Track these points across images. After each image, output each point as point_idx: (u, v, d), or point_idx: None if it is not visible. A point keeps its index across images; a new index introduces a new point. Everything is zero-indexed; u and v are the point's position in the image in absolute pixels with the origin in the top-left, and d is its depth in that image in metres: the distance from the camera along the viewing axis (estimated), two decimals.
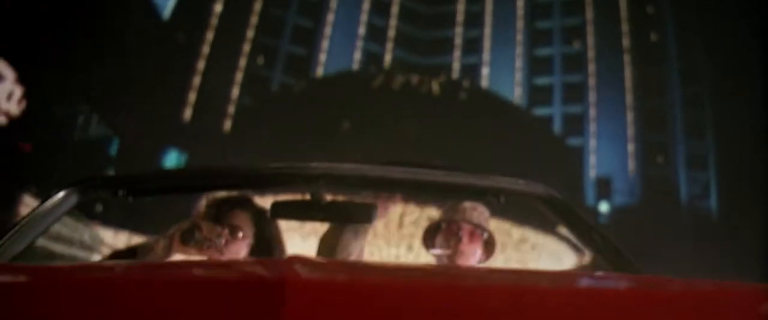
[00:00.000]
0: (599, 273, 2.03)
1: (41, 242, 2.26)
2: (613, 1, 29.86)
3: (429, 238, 2.83)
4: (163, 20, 25.76)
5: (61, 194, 2.08)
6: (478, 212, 2.76)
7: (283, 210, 2.28)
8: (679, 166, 27.83)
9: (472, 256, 2.74)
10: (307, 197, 2.21)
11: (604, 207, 24.87)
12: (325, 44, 30.23)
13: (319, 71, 29.98)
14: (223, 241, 2.38)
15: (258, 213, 2.58)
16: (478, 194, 2.38)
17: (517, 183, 2.35)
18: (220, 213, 2.51)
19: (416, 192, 2.50)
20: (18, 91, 20.77)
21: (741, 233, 20.37)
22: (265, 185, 2.21)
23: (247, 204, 2.58)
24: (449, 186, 2.28)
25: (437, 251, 2.76)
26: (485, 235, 2.78)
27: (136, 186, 2.13)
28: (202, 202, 2.56)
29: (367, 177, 2.19)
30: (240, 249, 2.52)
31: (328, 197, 2.23)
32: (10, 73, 20.73)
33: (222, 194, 2.58)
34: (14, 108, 20.58)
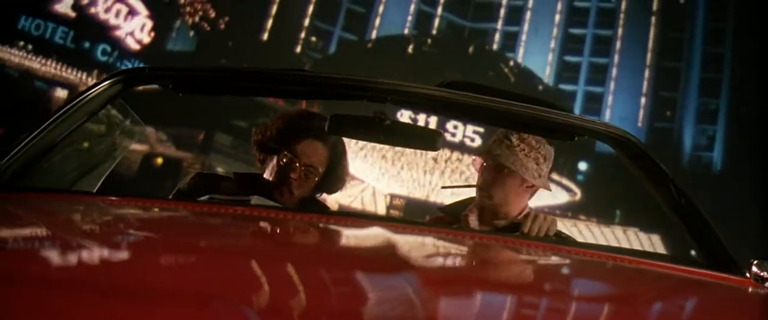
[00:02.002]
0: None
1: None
2: None
3: (475, 165, 2.22)
4: None
5: (106, 83, 1.65)
6: (522, 149, 2.10)
7: (343, 126, 1.79)
8: (686, 120, 26.90)
9: (502, 192, 2.11)
10: (370, 115, 1.73)
11: (582, 165, 23.98)
12: None
13: (380, 9, 29.28)
14: (294, 181, 1.97)
15: (336, 146, 2.08)
16: (551, 130, 1.86)
17: (594, 122, 1.86)
18: (291, 134, 2.01)
19: (485, 121, 1.97)
20: (149, 24, 22.34)
21: (739, 185, 19.50)
22: (327, 95, 1.71)
23: (322, 132, 1.97)
24: (520, 117, 1.77)
25: (479, 192, 2.15)
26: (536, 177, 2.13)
27: (187, 82, 1.66)
28: (272, 122, 2.05)
29: (437, 98, 1.67)
30: (309, 187, 2.06)
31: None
32: (142, 9, 22.26)
33: (295, 111, 2.09)
34: (146, 37, 22.27)
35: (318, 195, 2.14)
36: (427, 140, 1.85)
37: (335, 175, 2.10)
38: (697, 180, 22.46)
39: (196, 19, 24.21)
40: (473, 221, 2.15)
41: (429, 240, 1.39)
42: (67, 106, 1.66)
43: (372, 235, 1.26)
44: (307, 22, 28.02)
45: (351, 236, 1.33)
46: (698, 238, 1.73)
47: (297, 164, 1.99)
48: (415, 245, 1.31)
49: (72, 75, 20.09)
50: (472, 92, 1.72)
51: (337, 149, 2.08)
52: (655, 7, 28.71)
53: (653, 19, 28.64)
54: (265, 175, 2.06)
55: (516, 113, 1.73)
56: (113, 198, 1.52)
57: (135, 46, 21.80)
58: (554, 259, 1.48)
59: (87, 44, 20.90)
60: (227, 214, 1.46)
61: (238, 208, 1.54)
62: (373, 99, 1.69)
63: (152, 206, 1.50)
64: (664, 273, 1.52)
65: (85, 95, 1.66)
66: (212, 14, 24.27)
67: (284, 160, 2.00)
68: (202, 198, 1.77)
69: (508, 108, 1.72)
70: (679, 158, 25.68)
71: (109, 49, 21.19)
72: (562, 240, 2.00)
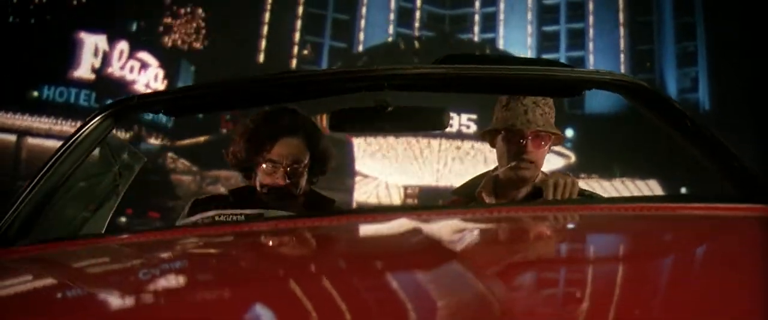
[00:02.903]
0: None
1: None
2: None
3: (490, 139, 2.02)
4: None
5: (98, 118, 1.49)
6: (540, 109, 1.93)
7: (345, 121, 1.61)
8: (667, 67, 26.59)
9: (539, 159, 1.93)
10: (371, 105, 1.56)
11: (569, 132, 23.78)
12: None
13: (363, 11, 29.09)
14: (287, 186, 1.81)
15: (309, 129, 1.89)
16: (557, 88, 1.68)
17: (599, 73, 1.68)
18: (260, 144, 1.82)
19: (489, 90, 1.79)
20: (161, 72, 23.21)
21: (729, 120, 19.12)
22: (323, 92, 1.54)
23: (287, 127, 1.83)
24: (525, 81, 1.60)
25: (503, 168, 1.95)
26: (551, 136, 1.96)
27: (177, 103, 1.50)
28: (238, 135, 1.86)
29: (437, 75, 1.50)
30: (303, 182, 1.89)
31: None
32: (152, 60, 23.09)
33: (250, 121, 1.90)
34: (160, 85, 22.88)
35: (313, 181, 1.97)
36: (434, 119, 1.68)
37: (321, 156, 1.92)
38: None
39: (187, 44, 24.35)
40: (488, 198, 1.99)
41: (467, 223, 1.22)
42: (62, 150, 1.50)
43: (405, 228, 1.10)
44: (297, 37, 27.92)
45: (385, 233, 1.18)
46: (728, 173, 1.56)
47: (281, 169, 1.83)
48: (454, 230, 1.16)
49: None
50: (471, 64, 1.56)
51: (309, 130, 1.89)
52: None
53: None
54: (258, 188, 1.89)
55: (520, 77, 1.56)
56: (124, 236, 1.36)
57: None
58: (596, 220, 1.32)
59: (109, 101, 21.53)
60: (243, 233, 1.30)
61: (252, 224, 1.38)
62: (370, 88, 1.52)
63: (166, 238, 1.34)
64: (708, 214, 1.35)
65: (77, 135, 1.51)
66: (201, 39, 24.37)
67: (267, 170, 1.83)
68: (206, 215, 1.58)
69: (511, 73, 1.56)
70: None
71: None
72: (590, 199, 1.82)
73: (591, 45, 28.52)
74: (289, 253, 1.15)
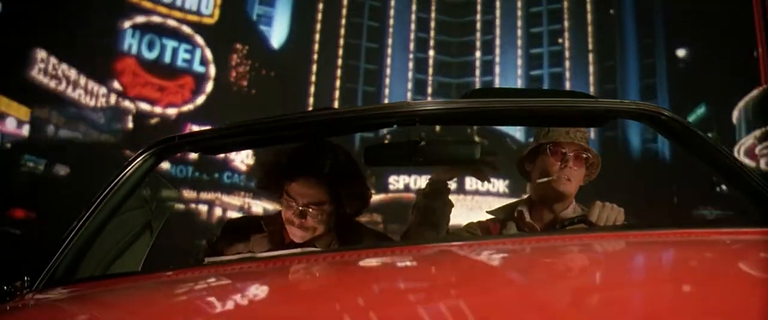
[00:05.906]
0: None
1: None
2: None
3: (528, 162, 1.73)
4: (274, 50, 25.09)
5: (140, 158, 1.23)
6: (580, 132, 1.66)
7: (380, 156, 1.32)
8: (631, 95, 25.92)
9: (577, 180, 1.67)
10: (404, 140, 1.28)
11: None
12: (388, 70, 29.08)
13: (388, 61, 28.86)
14: (301, 223, 1.43)
15: (340, 170, 1.44)
16: (583, 119, 1.40)
17: (623, 103, 1.40)
18: (281, 177, 1.45)
19: (517, 122, 1.51)
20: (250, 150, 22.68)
21: (686, 112, 18.07)
22: (357, 128, 1.27)
23: (312, 166, 1.42)
24: (551, 112, 1.31)
25: (542, 179, 1.65)
26: (589, 156, 1.69)
27: (216, 142, 1.24)
28: (261, 164, 1.45)
29: (466, 110, 1.22)
30: (323, 223, 1.48)
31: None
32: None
33: (280, 151, 1.48)
34: (250, 160, 21.16)
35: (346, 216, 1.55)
36: (465, 151, 1.38)
37: (350, 198, 1.48)
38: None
39: (243, 81, 23.92)
40: (527, 216, 1.69)
41: (519, 254, 0.95)
42: (109, 189, 1.23)
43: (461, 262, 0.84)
44: (338, 84, 27.69)
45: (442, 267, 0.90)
46: (750, 195, 1.26)
47: (295, 205, 1.42)
48: (507, 262, 0.89)
49: (211, 195, 21.78)
50: (497, 97, 1.28)
51: (337, 171, 1.43)
52: (589, 18, 28.19)
53: (589, 29, 28.12)
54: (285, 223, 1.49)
55: (547, 109, 1.28)
56: (169, 273, 1.08)
57: (244, 168, 22.18)
58: (657, 246, 1.02)
59: (216, 174, 22.32)
60: (269, 269, 1.02)
61: (284, 260, 1.09)
62: (402, 123, 1.25)
63: (201, 275, 1.06)
64: (751, 239, 1.07)
65: (122, 175, 1.24)
66: (247, 80, 23.92)
67: (284, 203, 1.44)
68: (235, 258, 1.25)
69: (538, 105, 1.28)
70: (629, 151, 24.54)
71: (230, 174, 22.34)
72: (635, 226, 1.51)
73: (567, 84, 28.21)
74: (332, 290, 0.88)
